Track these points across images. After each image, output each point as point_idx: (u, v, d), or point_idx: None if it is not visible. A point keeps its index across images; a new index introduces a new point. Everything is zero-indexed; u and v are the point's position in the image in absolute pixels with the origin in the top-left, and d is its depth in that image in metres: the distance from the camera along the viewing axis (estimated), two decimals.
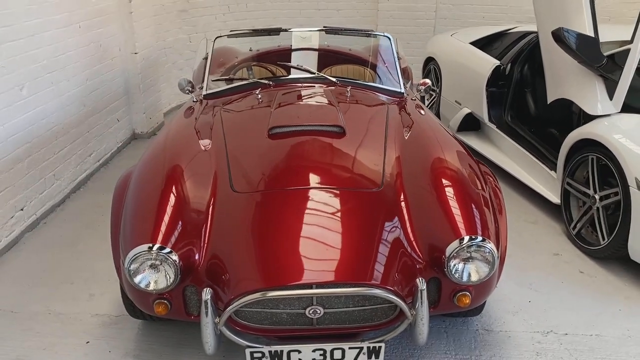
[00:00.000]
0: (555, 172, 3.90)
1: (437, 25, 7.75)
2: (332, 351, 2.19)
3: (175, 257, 2.13)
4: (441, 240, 2.21)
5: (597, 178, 3.40)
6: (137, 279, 2.13)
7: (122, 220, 2.36)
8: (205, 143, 2.86)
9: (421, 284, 2.11)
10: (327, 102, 3.19)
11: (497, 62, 4.86)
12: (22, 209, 3.63)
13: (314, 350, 2.18)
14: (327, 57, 4.40)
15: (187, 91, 3.59)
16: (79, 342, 2.67)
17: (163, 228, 2.23)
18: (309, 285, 2.07)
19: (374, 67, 4.41)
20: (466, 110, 5.18)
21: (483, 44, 5.45)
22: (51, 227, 3.80)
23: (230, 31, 3.93)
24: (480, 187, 2.53)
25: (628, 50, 3.37)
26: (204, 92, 3.62)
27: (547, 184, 4.01)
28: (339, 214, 2.33)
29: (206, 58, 3.87)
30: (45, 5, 3.87)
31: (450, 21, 7.73)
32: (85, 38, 4.45)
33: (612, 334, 2.77)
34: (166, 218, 2.28)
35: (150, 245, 2.14)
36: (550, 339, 2.73)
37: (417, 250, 2.23)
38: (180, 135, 3.03)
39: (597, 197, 3.38)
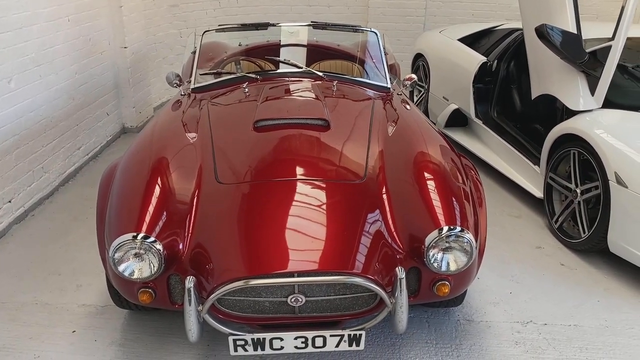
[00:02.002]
0: (539, 166, 3.96)
1: (427, 22, 7.80)
2: (313, 339, 2.23)
3: (159, 246, 2.16)
4: (421, 231, 2.26)
5: (578, 172, 3.46)
6: (121, 268, 2.16)
7: (107, 211, 2.39)
8: (191, 136, 2.89)
9: (400, 272, 2.15)
10: (313, 96, 3.23)
11: (484, 59, 4.92)
12: (9, 201, 3.64)
13: (295, 338, 2.22)
14: (316, 53, 4.44)
15: (174, 84, 3.62)
16: (66, 332, 2.70)
17: (147, 218, 2.26)
18: (291, 274, 2.11)
19: (361, 62, 4.45)
20: (453, 106, 5.24)
21: (471, 40, 5.51)
22: (39, 220, 3.82)
23: (219, 25, 3.95)
24: (461, 180, 2.58)
25: (609, 47, 3.43)
26: (192, 86, 3.64)
27: (531, 179, 4.07)
28: (322, 205, 2.37)
29: (195, 52, 3.89)
30: None
31: (440, 18, 7.78)
32: (74, 32, 4.46)
33: (589, 324, 2.83)
34: (151, 208, 2.31)
35: (135, 234, 2.17)
36: (529, 328, 2.79)
37: (398, 241, 2.27)
38: (167, 128, 3.06)
39: (578, 191, 3.45)
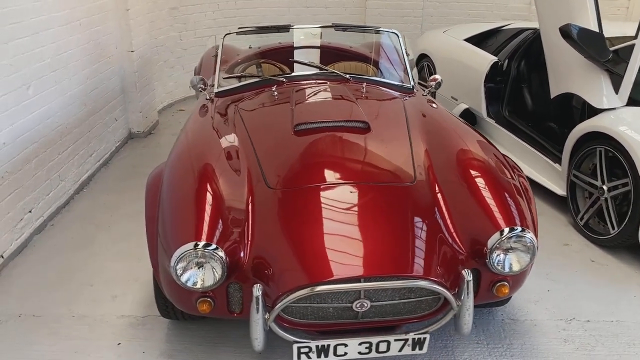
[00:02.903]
0: (559, 164, 4.01)
1: (424, 22, 7.85)
2: (377, 344, 2.21)
3: (221, 253, 2.12)
4: (481, 232, 2.26)
5: (605, 170, 3.51)
6: (184, 278, 2.11)
7: (158, 220, 2.33)
8: (229, 140, 2.85)
9: (467, 275, 2.15)
10: (346, 98, 3.20)
11: (495, 59, 4.96)
12: (30, 211, 3.54)
13: (360, 344, 2.20)
14: (330, 54, 4.42)
15: (199, 89, 3.56)
16: (111, 344, 2.63)
17: (205, 226, 2.21)
18: (357, 279, 2.09)
19: (376, 63, 4.45)
20: (463, 106, 5.27)
21: (477, 40, 5.55)
22: (59, 229, 3.72)
23: (239, 28, 3.90)
24: (509, 176, 2.59)
25: (632, 46, 3.48)
26: (215, 90, 3.59)
27: (551, 177, 4.11)
28: (378, 209, 2.35)
29: (215, 55, 3.84)
30: (49, 1, 3.78)
31: (436, 18, 7.83)
32: (85, 36, 4.37)
33: (631, 320, 2.86)
34: (206, 216, 2.26)
35: (196, 242, 2.12)
36: (574, 326, 2.81)
37: (458, 242, 2.27)
38: (201, 135, 3.00)
39: (605, 188, 3.49)
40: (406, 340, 2.23)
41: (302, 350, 2.19)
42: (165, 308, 2.58)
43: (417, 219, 2.32)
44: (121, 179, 4.52)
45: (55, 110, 3.88)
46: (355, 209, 2.34)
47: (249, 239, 2.24)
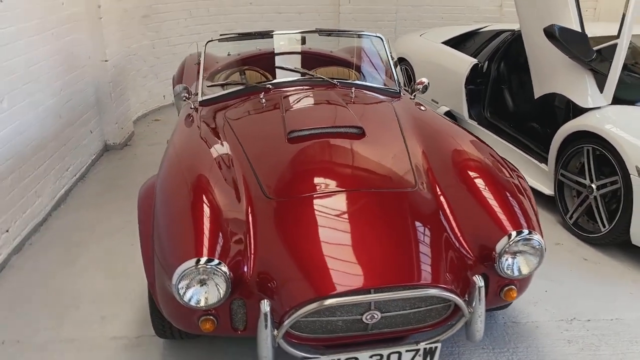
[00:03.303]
0: (545, 164, 4.03)
1: (398, 26, 7.88)
2: (389, 355, 2.14)
3: (225, 268, 2.02)
4: (487, 236, 2.22)
5: (593, 168, 3.53)
6: (187, 297, 2.00)
7: (154, 237, 2.22)
8: (220, 150, 2.75)
9: (479, 281, 2.10)
10: (337, 103, 3.14)
11: (475, 61, 4.98)
12: (7, 231, 3.36)
13: (371, 356, 2.13)
14: (311, 60, 4.37)
15: (183, 98, 3.45)
16: None
17: (205, 240, 2.11)
18: (367, 290, 2.02)
19: (359, 68, 4.41)
20: (445, 109, 5.28)
21: (455, 43, 5.58)
22: (39, 249, 3.54)
23: (221, 35, 3.80)
24: (509, 176, 2.56)
25: (614, 45, 3.52)
26: (199, 99, 3.49)
27: (538, 177, 4.13)
28: (382, 216, 2.28)
29: (198, 63, 3.73)
30: (17, 11, 3.61)
31: (410, 22, 7.87)
32: (57, 46, 4.20)
33: (630, 317, 2.87)
34: (205, 230, 2.16)
35: (198, 259, 2.01)
36: (575, 326, 2.80)
37: (466, 247, 2.23)
38: (190, 146, 2.89)
39: (594, 186, 3.51)
40: (417, 350, 2.16)
41: None
42: (162, 327, 2.46)
43: (422, 224, 2.27)
44: (99, 194, 4.35)
45: (29, 124, 3.71)
46: (360, 217, 2.28)
47: (252, 252, 2.15)
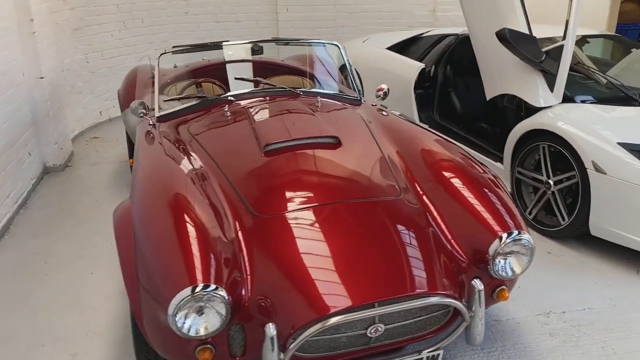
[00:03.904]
0: (501, 163, 4.16)
1: (336, 33, 7.93)
2: None
3: (223, 292, 1.90)
4: (478, 239, 2.24)
5: (549, 165, 3.68)
6: (185, 328, 1.88)
7: (138, 267, 2.06)
8: (190, 167, 2.63)
9: (478, 285, 2.12)
10: (306, 113, 3.10)
11: (422, 65, 5.09)
12: None
13: None
14: (264, 69, 4.30)
15: (140, 114, 3.27)
16: None
17: (198, 265, 1.98)
18: (372, 304, 1.98)
19: (313, 76, 4.39)
20: (396, 113, 5.33)
21: (399, 48, 5.67)
22: None
23: (173, 47, 3.65)
24: (485, 175, 2.61)
25: (561, 46, 3.69)
26: (157, 114, 3.33)
27: None
28: (375, 226, 2.25)
29: (152, 77, 3.56)
30: None
31: (348, 29, 7.95)
32: None
33: (600, 306, 3.00)
34: (195, 253, 2.03)
35: (194, 286, 1.89)
36: (553, 319, 2.89)
37: (459, 251, 2.24)
38: (159, 164, 2.74)
39: (551, 182, 3.66)
40: (420, 359, 2.15)
41: None
42: (145, 358, 2.31)
43: (415, 231, 2.26)
44: (47, 220, 4.06)
45: None
46: (353, 229, 2.23)
47: (248, 274, 2.06)
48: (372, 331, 2.04)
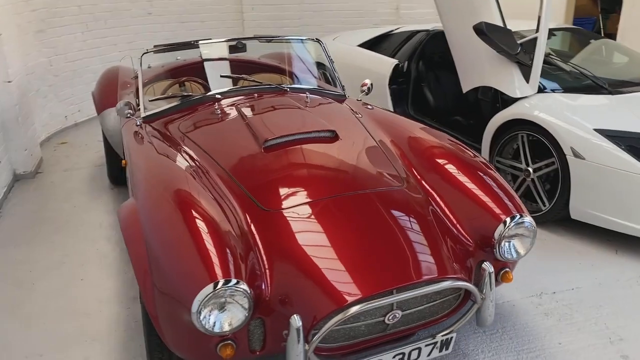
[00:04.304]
0: (480, 153, 4.28)
1: (302, 31, 7.95)
2: (410, 352, 2.16)
3: (244, 286, 1.90)
4: (482, 224, 2.31)
5: (528, 152, 3.82)
6: (209, 324, 1.87)
7: (152, 269, 2.03)
8: (188, 164, 2.61)
9: (489, 267, 2.19)
10: (299, 109, 3.11)
11: (396, 61, 5.17)
12: None
13: (394, 356, 2.14)
14: (242, 67, 4.29)
15: (127, 115, 3.21)
16: None
17: (215, 260, 1.97)
18: (390, 291, 2.02)
19: (292, 73, 4.40)
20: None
21: (370, 45, 5.75)
22: None
23: (155, 46, 3.59)
24: (474, 156, 2.70)
25: (535, 39, 3.83)
26: (142, 114, 3.28)
27: None
28: (385, 215, 2.29)
29: (135, 77, 3.50)
30: None
31: (313, 27, 7.99)
32: None
33: (586, 285, 3.14)
34: (211, 248, 2.00)
35: (215, 282, 1.88)
36: (545, 300, 3.01)
37: (466, 236, 2.30)
38: (155, 162, 2.70)
39: (530, 169, 3.80)
40: (435, 343, 2.20)
41: None
42: None
43: (423, 219, 2.31)
44: (24, 228, 3.92)
45: None
46: (364, 219, 2.26)
47: (266, 267, 2.06)
48: (390, 318, 2.08)
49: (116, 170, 4.42)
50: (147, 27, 7.19)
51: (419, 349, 2.17)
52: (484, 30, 3.77)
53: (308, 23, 7.96)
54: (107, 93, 4.27)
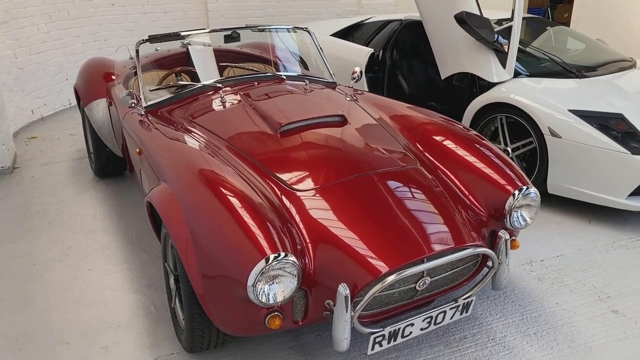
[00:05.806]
0: None
1: (266, 22, 8.02)
2: (436, 316, 2.35)
3: (293, 258, 2.03)
4: (492, 196, 2.53)
5: (507, 134, 4.10)
6: (264, 296, 1.98)
7: (199, 250, 2.12)
8: (202, 147, 2.69)
9: (505, 234, 2.40)
10: (303, 95, 3.23)
11: (371, 50, 5.34)
12: None
13: (423, 320, 2.32)
14: (228, 57, 4.37)
15: (131, 105, 3.24)
16: None
17: (259, 234, 2.07)
18: (422, 260, 2.19)
19: (277, 62, 4.50)
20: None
21: (342, 35, 5.90)
22: None
23: (149, 36, 3.60)
24: (468, 131, 2.93)
25: (510, 27, 4.11)
26: (144, 104, 3.32)
27: None
28: (406, 192, 2.46)
29: (134, 68, 3.51)
30: None
31: (277, 18, 8.07)
32: None
33: (569, 252, 3.44)
34: (256, 227, 2.10)
35: (267, 257, 2.00)
36: (535, 267, 3.28)
37: (479, 207, 2.51)
38: (173, 146, 2.76)
39: (509, 149, 4.08)
40: (458, 306, 2.40)
41: (377, 339, 2.23)
42: (200, 340, 2.36)
43: (441, 193, 2.50)
44: (15, 223, 3.85)
45: None
46: (389, 195, 2.42)
47: (306, 241, 2.19)
48: (421, 284, 2.26)
49: (104, 162, 4.39)
50: (110, 19, 7.06)
51: (444, 312, 2.37)
52: (464, 19, 4.00)
53: (272, 14, 8.03)
54: (93, 85, 4.24)
